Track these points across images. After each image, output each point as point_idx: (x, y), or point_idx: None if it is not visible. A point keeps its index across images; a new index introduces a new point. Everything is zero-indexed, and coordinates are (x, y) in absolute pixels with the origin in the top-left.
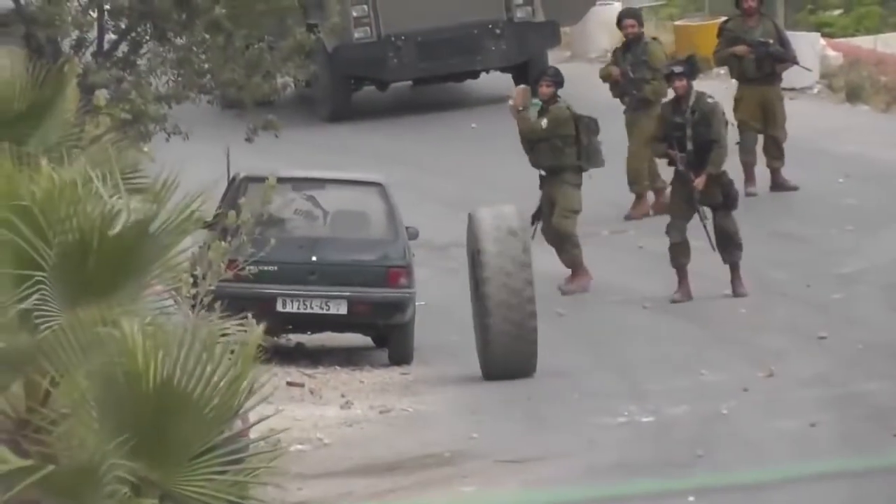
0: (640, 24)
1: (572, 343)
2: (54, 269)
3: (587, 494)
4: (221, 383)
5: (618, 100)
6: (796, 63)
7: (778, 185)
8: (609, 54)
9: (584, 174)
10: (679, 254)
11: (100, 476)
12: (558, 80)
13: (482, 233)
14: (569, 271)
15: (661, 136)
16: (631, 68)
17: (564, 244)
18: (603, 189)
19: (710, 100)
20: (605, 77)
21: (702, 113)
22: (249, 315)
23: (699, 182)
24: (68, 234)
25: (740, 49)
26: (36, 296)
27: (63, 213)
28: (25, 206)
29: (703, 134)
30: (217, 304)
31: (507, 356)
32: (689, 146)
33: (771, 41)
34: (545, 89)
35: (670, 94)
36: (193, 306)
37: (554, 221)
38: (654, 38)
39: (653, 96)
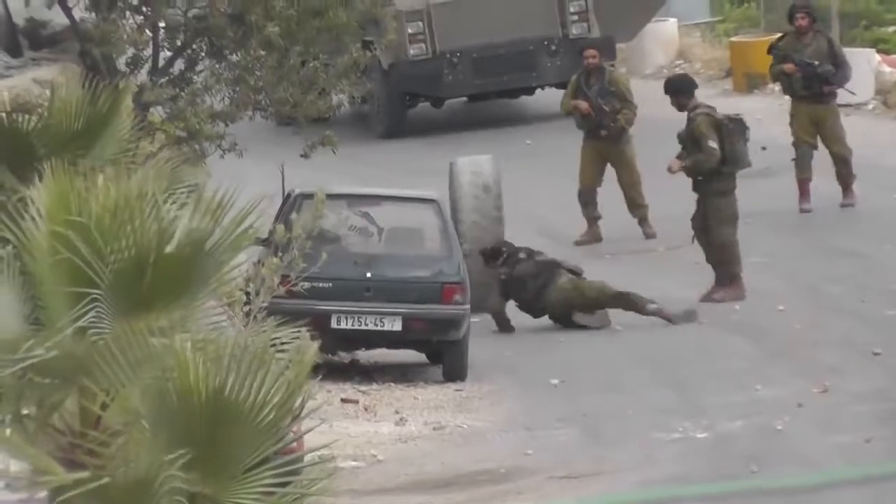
0: (602, 55)
1: (628, 359)
2: (110, 286)
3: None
4: (275, 396)
5: (586, 129)
6: (842, 87)
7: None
8: (570, 86)
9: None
10: None
11: (154, 490)
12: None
13: (459, 186)
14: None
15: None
16: (599, 99)
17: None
18: (657, 205)
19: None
20: (571, 111)
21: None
22: (304, 329)
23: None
24: (125, 252)
25: (788, 67)
26: (92, 313)
27: (119, 230)
28: (82, 223)
29: None
30: (272, 322)
31: (480, 303)
32: None
33: (816, 63)
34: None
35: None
36: (247, 323)
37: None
38: (612, 65)
39: (627, 125)
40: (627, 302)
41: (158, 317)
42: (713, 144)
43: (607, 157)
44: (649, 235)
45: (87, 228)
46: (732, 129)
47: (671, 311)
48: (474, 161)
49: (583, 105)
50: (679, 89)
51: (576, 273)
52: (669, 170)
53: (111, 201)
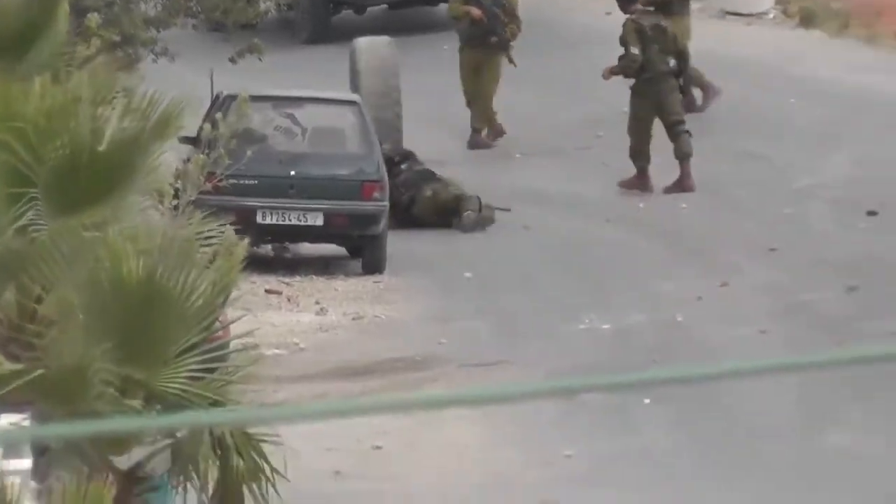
0: None
1: (539, 255)
2: (46, 185)
3: (545, 389)
4: (201, 285)
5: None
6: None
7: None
8: None
9: None
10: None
11: (88, 378)
12: None
13: (360, 57)
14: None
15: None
16: (494, 8)
17: None
18: (569, 107)
19: None
20: (461, 15)
21: None
22: (228, 224)
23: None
24: (59, 151)
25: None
26: (30, 212)
27: (55, 132)
28: (19, 127)
29: None
30: (197, 214)
31: None
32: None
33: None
34: None
35: None
36: (175, 216)
37: None
38: None
39: (512, 38)
40: (462, 205)
41: (93, 212)
42: (635, 50)
43: (481, 65)
44: (489, 144)
45: (24, 131)
46: (650, 38)
47: (472, 219)
48: (374, 42)
49: (476, 11)
50: None
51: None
52: (603, 76)
53: (47, 104)
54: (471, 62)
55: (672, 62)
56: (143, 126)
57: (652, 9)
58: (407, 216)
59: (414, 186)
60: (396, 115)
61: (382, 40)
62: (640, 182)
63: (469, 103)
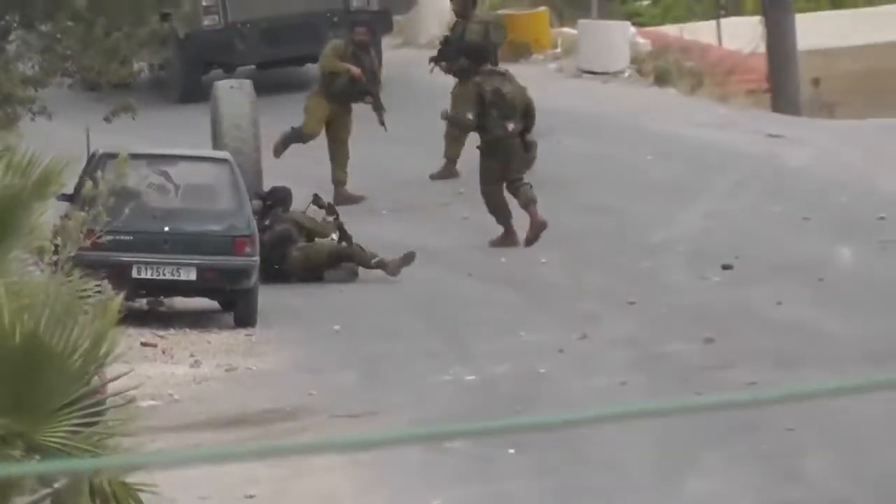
0: (376, 31)
1: (403, 307)
2: None
3: (412, 437)
4: (83, 343)
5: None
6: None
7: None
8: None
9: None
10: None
11: None
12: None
13: (219, 98)
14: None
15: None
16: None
17: None
18: (432, 164)
19: None
20: (338, 70)
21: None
22: (106, 280)
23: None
24: None
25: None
26: None
27: None
28: None
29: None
30: (77, 271)
31: None
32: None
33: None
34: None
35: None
36: (55, 271)
37: None
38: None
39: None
40: (353, 257)
41: None
42: (469, 115)
43: (336, 118)
44: (355, 199)
45: None
46: (490, 102)
47: (391, 262)
48: (232, 84)
49: (356, 70)
50: (469, 55)
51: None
52: (441, 116)
53: None
54: (325, 108)
55: (511, 125)
56: (25, 184)
57: (502, 70)
58: (276, 273)
59: (280, 246)
60: (256, 157)
61: (241, 83)
62: (508, 238)
63: (305, 136)
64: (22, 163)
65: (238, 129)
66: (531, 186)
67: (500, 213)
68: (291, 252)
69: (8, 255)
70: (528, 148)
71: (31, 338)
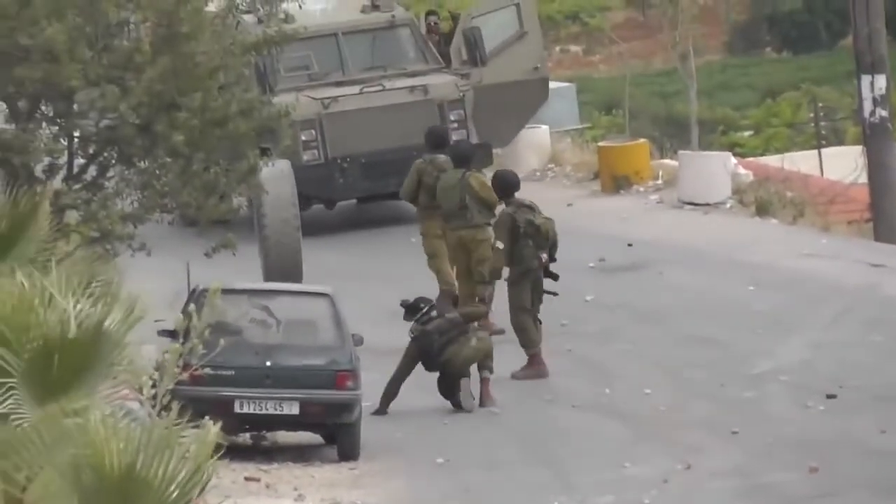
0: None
1: (506, 438)
2: (24, 374)
3: None
4: (180, 474)
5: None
6: None
7: None
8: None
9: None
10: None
11: None
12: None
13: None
14: None
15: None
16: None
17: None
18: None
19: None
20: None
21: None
22: (207, 417)
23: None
24: (34, 342)
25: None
26: (9, 401)
27: (28, 324)
28: None
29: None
30: (176, 405)
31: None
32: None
33: None
34: None
35: None
36: (154, 406)
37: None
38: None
39: None
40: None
41: (70, 399)
42: (500, 245)
43: (468, 244)
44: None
45: (1, 323)
46: (525, 233)
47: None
48: (272, 171)
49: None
50: (497, 186)
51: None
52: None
53: (24, 299)
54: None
55: (544, 256)
56: (109, 313)
57: (528, 202)
58: (434, 362)
59: (447, 332)
60: (296, 236)
61: (279, 169)
62: (536, 370)
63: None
64: (106, 294)
65: (279, 213)
66: (541, 323)
67: (534, 343)
68: (469, 342)
69: (97, 386)
70: (555, 278)
71: (128, 471)
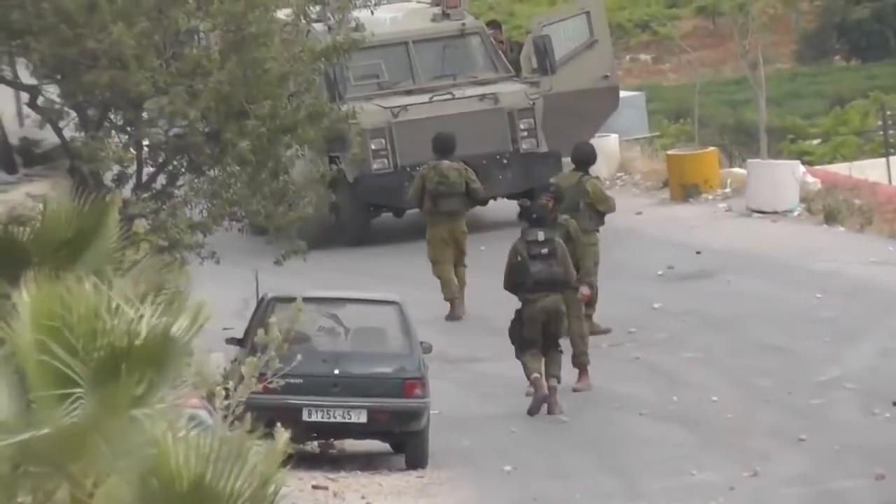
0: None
1: (573, 446)
2: (91, 383)
3: None
4: (248, 484)
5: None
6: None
7: None
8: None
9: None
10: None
11: None
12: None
13: None
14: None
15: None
16: None
17: None
18: (605, 304)
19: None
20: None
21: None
22: (278, 424)
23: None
24: (100, 350)
25: None
26: (77, 411)
27: (96, 332)
28: (59, 328)
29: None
30: (247, 414)
31: None
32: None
33: None
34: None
35: None
36: (226, 416)
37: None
38: None
39: None
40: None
41: (138, 407)
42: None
43: None
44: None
45: (63, 333)
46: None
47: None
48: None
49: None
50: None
51: None
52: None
53: (92, 307)
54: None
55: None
56: (176, 322)
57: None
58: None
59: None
60: None
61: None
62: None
63: None
64: (174, 302)
65: None
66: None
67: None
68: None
69: (167, 395)
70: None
71: (197, 482)
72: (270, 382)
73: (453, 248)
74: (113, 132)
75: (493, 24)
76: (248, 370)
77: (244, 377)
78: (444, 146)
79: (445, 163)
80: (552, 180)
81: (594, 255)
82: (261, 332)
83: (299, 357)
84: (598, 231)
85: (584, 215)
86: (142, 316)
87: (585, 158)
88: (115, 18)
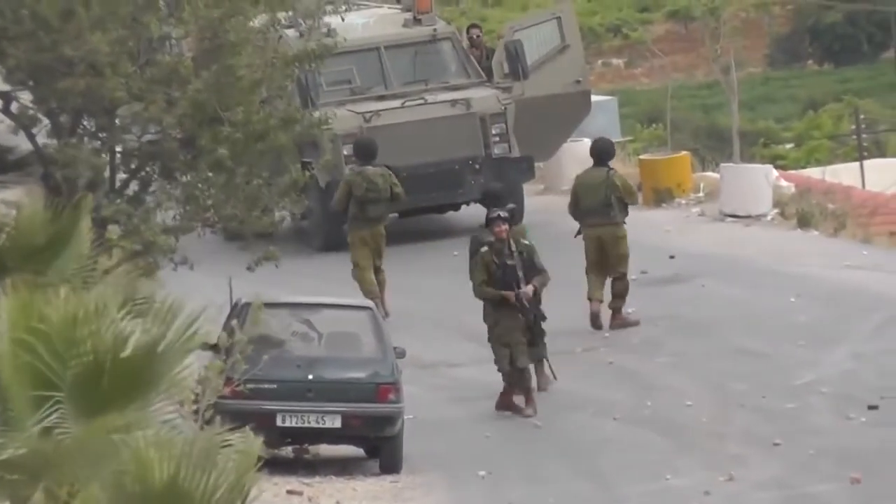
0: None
1: (548, 451)
2: (71, 388)
3: None
4: (222, 490)
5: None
6: None
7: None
8: None
9: None
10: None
11: None
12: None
13: None
14: None
15: (488, 279)
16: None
17: None
18: (573, 309)
19: (525, 241)
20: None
21: (527, 251)
22: (248, 428)
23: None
24: (83, 357)
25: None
26: (55, 415)
27: (78, 337)
28: (42, 331)
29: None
30: (218, 419)
31: None
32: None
33: None
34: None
35: None
36: (196, 420)
37: None
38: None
39: None
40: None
41: (116, 416)
42: None
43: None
44: None
45: (48, 339)
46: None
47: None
48: None
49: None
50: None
51: None
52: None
53: (70, 312)
54: None
55: None
56: (165, 333)
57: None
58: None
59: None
60: None
61: None
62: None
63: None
64: (162, 312)
65: None
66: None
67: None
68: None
69: (148, 404)
70: None
71: (171, 485)
72: (238, 385)
73: (373, 251)
74: (86, 138)
75: (475, 27)
76: (213, 373)
77: (210, 380)
78: (367, 152)
79: (370, 168)
80: (576, 176)
81: (626, 247)
82: (222, 334)
83: (265, 359)
84: (625, 223)
85: (615, 209)
86: (127, 326)
87: (606, 153)
88: (92, 26)
